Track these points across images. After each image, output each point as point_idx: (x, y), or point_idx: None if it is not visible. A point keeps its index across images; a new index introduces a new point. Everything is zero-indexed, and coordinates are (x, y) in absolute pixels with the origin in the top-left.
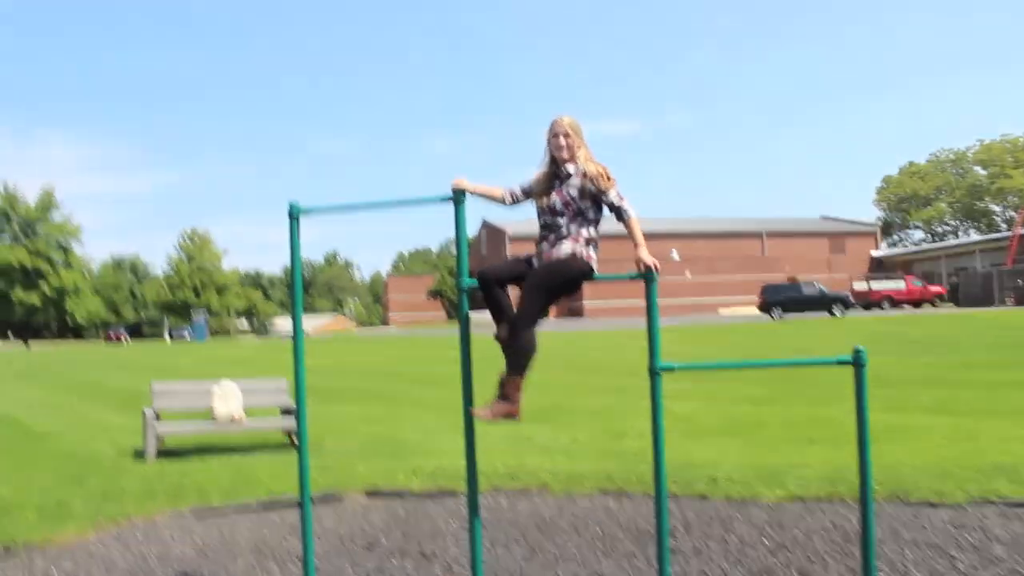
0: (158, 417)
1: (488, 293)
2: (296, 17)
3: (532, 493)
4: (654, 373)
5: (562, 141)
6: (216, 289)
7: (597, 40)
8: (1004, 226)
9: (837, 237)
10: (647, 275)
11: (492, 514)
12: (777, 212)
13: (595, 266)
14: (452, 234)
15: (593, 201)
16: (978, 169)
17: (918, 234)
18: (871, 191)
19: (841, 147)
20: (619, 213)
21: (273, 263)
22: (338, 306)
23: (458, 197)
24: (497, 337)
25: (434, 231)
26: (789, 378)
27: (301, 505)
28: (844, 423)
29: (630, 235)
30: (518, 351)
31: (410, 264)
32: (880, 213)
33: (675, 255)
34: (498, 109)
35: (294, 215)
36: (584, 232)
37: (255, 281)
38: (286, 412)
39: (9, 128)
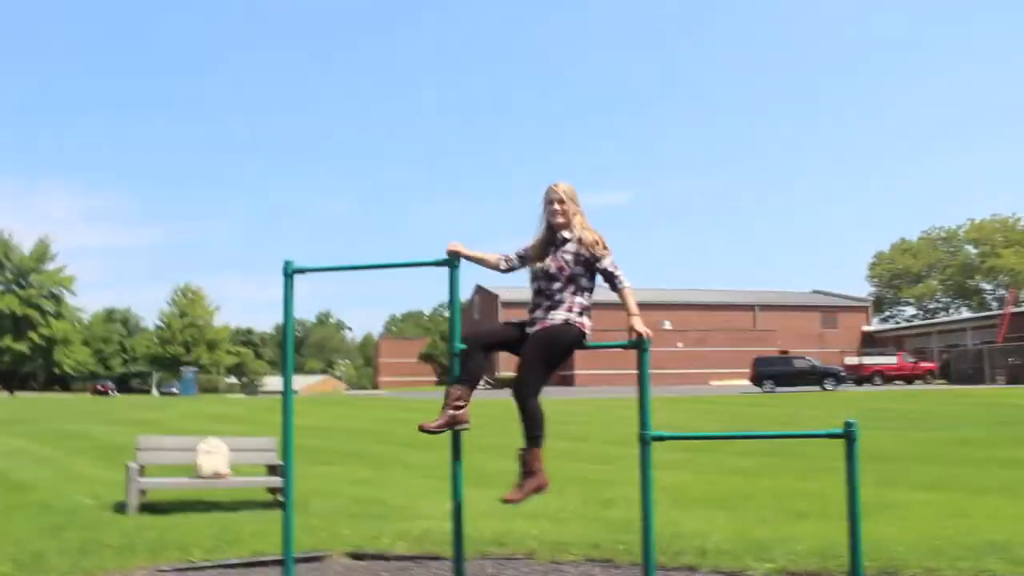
0: (142, 471)
1: (469, 354)
2: (297, 77)
3: (519, 560)
4: (645, 442)
5: (557, 207)
6: (207, 345)
7: (589, 109)
8: (995, 304)
9: (829, 311)
10: (639, 343)
11: None
12: (769, 285)
13: (588, 333)
14: (445, 298)
15: (587, 268)
16: (969, 248)
17: (910, 310)
18: (863, 266)
19: (832, 222)
20: (612, 282)
21: (265, 321)
22: (329, 367)
23: (452, 261)
24: (447, 392)
25: (427, 294)
26: (779, 451)
27: (284, 565)
28: (833, 497)
29: (624, 304)
30: (529, 422)
31: (403, 327)
32: (872, 288)
33: (667, 325)
34: (493, 176)
35: (288, 273)
36: (578, 300)
37: (247, 339)
38: (272, 470)
39: (12, 178)
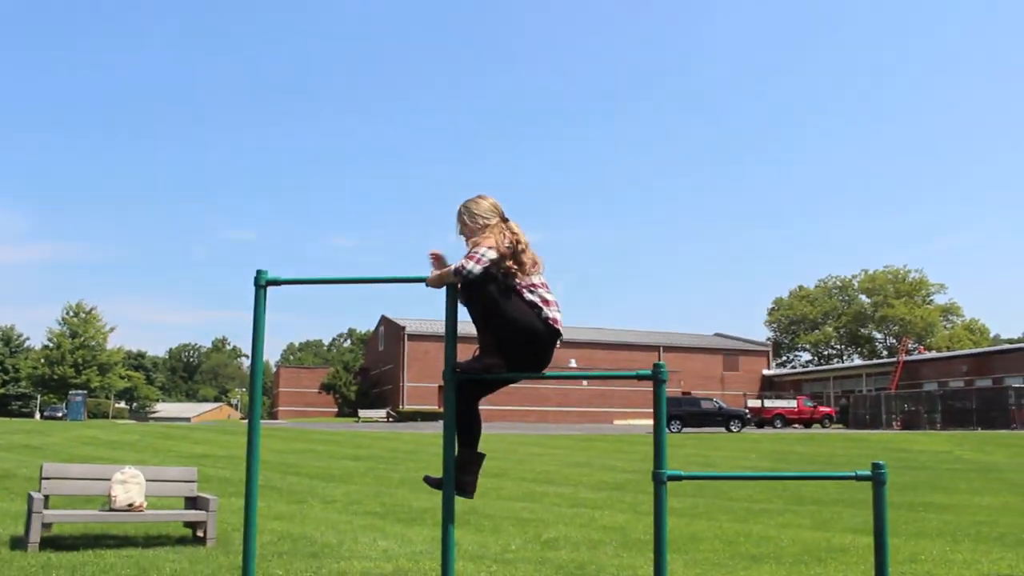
0: (47, 502)
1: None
2: (198, 99)
3: None
4: (660, 481)
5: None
6: (99, 368)
7: (487, 152)
8: (885, 352)
9: (731, 354)
10: (655, 376)
11: None
12: (673, 327)
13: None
14: (343, 328)
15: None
16: (863, 297)
17: (805, 355)
18: (762, 311)
19: (733, 267)
20: None
21: (157, 345)
22: (223, 394)
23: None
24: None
25: (326, 324)
26: (702, 491)
27: None
28: (777, 539)
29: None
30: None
31: (301, 356)
32: (770, 333)
33: (573, 363)
34: (397, 209)
35: (261, 284)
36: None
37: (138, 363)
38: (192, 503)
39: None
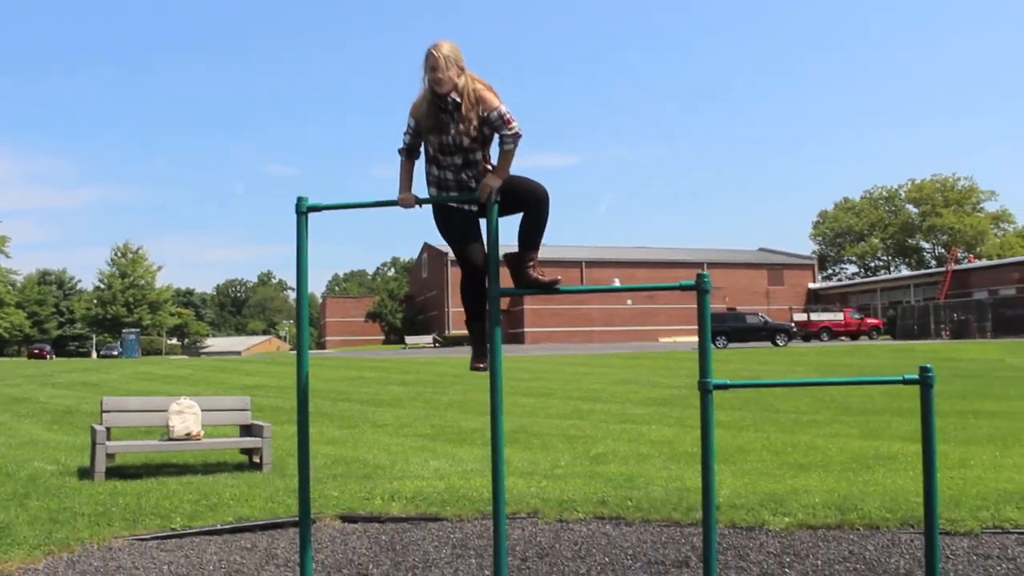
0: (109, 433)
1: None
2: (237, 40)
3: (523, 518)
4: (706, 390)
5: (441, 75)
6: (149, 306)
7: (539, 73)
8: (933, 262)
9: (775, 269)
10: (699, 286)
11: (484, 541)
12: (716, 244)
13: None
14: (388, 256)
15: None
16: (910, 207)
17: (852, 268)
18: (807, 225)
19: (777, 181)
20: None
21: (206, 282)
22: (271, 327)
23: (489, 199)
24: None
25: (370, 254)
26: (749, 404)
27: (302, 535)
28: (825, 449)
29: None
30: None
31: (346, 286)
32: (815, 247)
33: (616, 282)
34: None
35: (302, 211)
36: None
37: (187, 300)
38: (247, 431)
39: None
